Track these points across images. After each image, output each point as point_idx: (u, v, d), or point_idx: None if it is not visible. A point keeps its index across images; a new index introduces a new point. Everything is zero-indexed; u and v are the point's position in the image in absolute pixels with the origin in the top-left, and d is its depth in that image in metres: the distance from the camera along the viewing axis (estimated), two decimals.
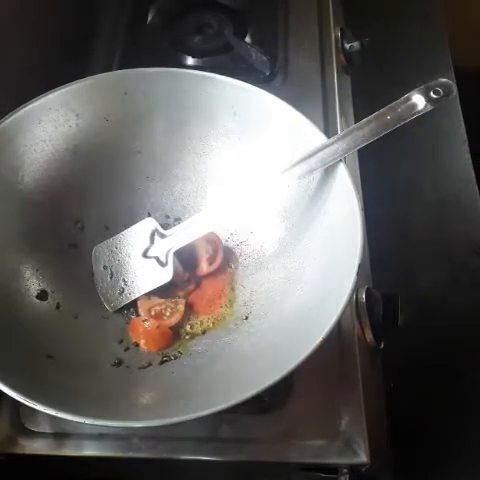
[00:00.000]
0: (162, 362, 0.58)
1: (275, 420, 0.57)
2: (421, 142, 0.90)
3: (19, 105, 0.59)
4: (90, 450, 0.57)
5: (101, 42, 0.83)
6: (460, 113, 0.92)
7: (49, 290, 0.60)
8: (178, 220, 0.65)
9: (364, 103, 0.81)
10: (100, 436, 0.57)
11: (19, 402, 0.46)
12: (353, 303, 0.63)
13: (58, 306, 0.60)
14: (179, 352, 0.58)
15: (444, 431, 0.70)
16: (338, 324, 0.49)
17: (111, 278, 0.62)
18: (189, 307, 0.61)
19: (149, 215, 0.65)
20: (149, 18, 0.85)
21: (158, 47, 0.81)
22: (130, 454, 0.57)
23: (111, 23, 0.85)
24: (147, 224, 0.62)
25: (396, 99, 0.54)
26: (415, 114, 0.53)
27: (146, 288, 0.60)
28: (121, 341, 0.59)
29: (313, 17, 0.85)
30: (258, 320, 0.58)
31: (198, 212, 0.61)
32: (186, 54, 0.80)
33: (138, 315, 0.60)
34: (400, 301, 0.63)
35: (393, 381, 0.69)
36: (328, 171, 0.56)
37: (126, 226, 0.63)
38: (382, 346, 0.65)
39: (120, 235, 0.63)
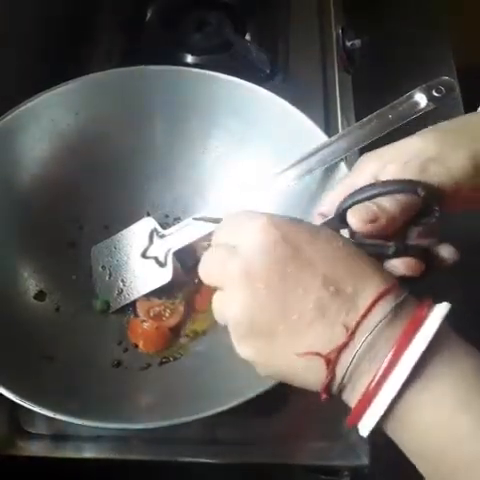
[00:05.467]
0: (162, 363, 0.57)
1: (276, 422, 0.57)
2: None
3: (18, 103, 0.59)
4: (88, 452, 0.57)
5: (100, 41, 0.82)
6: (462, 112, 0.92)
7: (47, 291, 0.60)
8: (177, 220, 0.65)
9: (365, 101, 0.80)
10: (98, 438, 0.57)
11: (17, 403, 0.46)
12: None
13: (56, 307, 0.60)
14: (179, 353, 0.58)
15: None
16: None
17: (110, 278, 0.61)
18: (189, 308, 0.61)
19: (148, 215, 0.65)
20: (148, 16, 0.85)
21: (157, 45, 0.81)
22: (129, 456, 0.56)
23: (110, 22, 0.85)
24: (146, 224, 0.62)
25: (398, 97, 0.53)
26: (417, 113, 0.53)
27: (145, 289, 0.60)
28: (120, 342, 0.59)
29: (314, 16, 0.85)
30: None
31: (198, 212, 0.61)
32: (186, 52, 0.80)
33: (137, 316, 0.60)
34: None
35: None
36: (329, 171, 0.55)
37: (125, 226, 0.63)
38: None
39: (119, 235, 0.62)
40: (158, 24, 0.83)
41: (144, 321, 0.59)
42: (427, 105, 0.53)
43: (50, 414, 0.46)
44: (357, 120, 0.55)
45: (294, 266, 0.35)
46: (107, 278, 0.61)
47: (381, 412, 0.33)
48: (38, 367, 0.53)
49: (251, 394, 0.46)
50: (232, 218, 0.40)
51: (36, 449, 0.57)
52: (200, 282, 0.62)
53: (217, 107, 0.62)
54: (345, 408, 0.57)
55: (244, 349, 0.37)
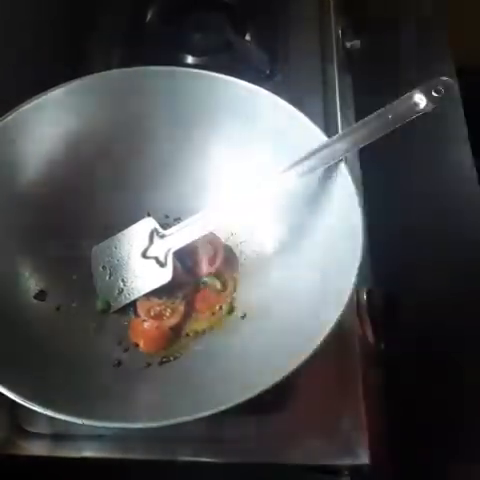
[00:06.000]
0: (162, 363, 0.57)
1: (275, 421, 0.57)
2: (422, 142, 0.90)
3: (18, 104, 0.59)
4: (89, 451, 0.57)
5: (100, 41, 0.82)
6: (462, 112, 0.92)
7: (48, 290, 0.60)
8: (178, 220, 0.65)
9: (365, 102, 0.80)
10: (99, 437, 0.57)
11: (17, 403, 0.46)
12: (354, 303, 0.62)
13: (57, 306, 0.60)
14: (179, 352, 0.58)
15: (445, 431, 0.70)
16: (339, 324, 0.49)
17: (110, 278, 0.61)
18: (189, 307, 0.61)
19: (148, 215, 0.65)
20: (148, 17, 0.85)
21: (158, 46, 0.81)
22: (129, 455, 0.56)
23: (110, 22, 0.85)
24: (146, 224, 0.62)
25: (398, 97, 0.53)
26: (416, 113, 0.53)
27: (145, 289, 0.60)
28: (120, 342, 0.59)
29: (314, 16, 0.85)
30: (258, 320, 0.58)
31: (198, 212, 0.61)
32: (186, 53, 0.80)
33: (137, 316, 0.60)
34: (401, 302, 0.62)
35: (394, 382, 0.68)
36: (329, 171, 0.55)
37: (126, 226, 0.63)
38: (383, 347, 0.65)
39: (119, 235, 0.62)
40: (158, 24, 0.84)
41: (144, 321, 0.59)
42: (427, 105, 0.53)
43: (50, 413, 0.46)
44: (357, 120, 0.55)
45: None
46: (107, 278, 0.61)
47: None
48: (38, 366, 0.53)
49: (251, 394, 0.46)
50: None
51: (36, 448, 0.57)
52: (200, 282, 0.62)
53: (217, 107, 0.62)
54: (345, 407, 0.57)
55: None
